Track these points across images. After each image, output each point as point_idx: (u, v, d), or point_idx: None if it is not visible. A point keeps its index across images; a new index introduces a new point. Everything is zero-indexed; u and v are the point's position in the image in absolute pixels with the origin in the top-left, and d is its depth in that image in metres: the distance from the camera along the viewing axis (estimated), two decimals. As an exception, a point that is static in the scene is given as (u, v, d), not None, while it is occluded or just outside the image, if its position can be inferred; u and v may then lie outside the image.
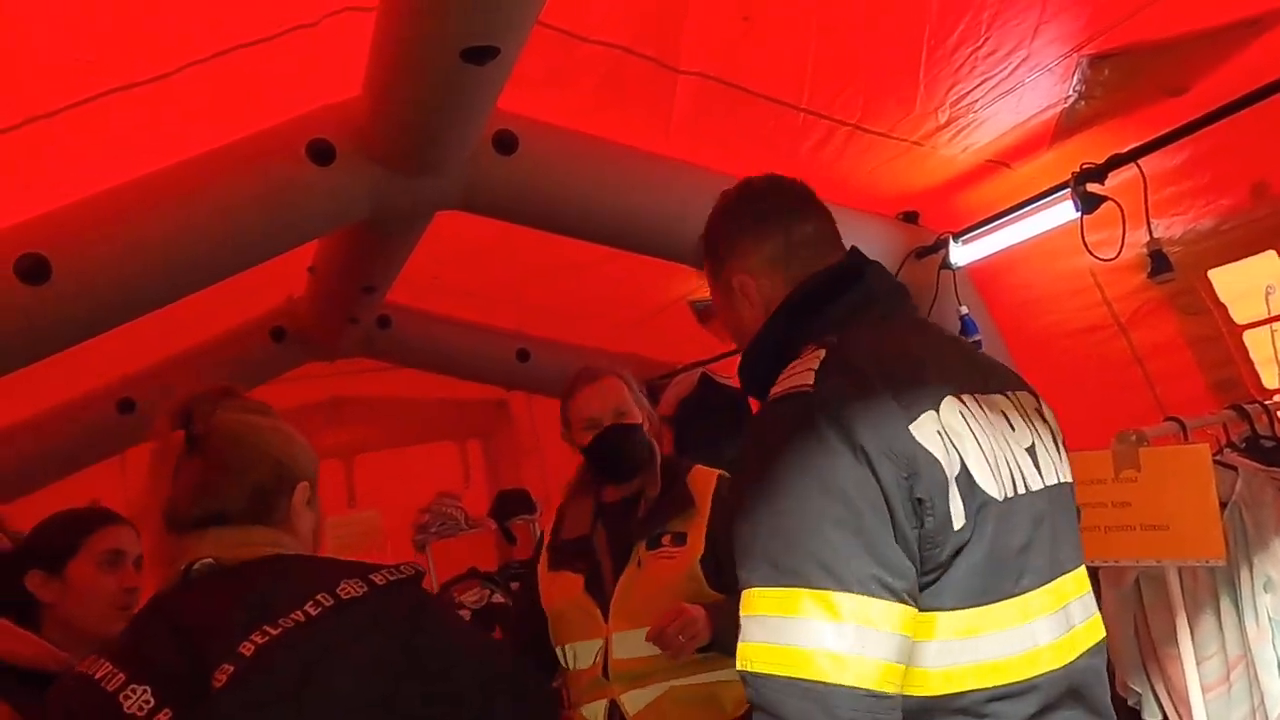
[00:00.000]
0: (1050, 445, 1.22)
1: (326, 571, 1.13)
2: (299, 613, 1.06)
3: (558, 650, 2.01)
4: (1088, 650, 1.16)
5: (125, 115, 2.05)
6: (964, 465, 1.06)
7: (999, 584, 1.06)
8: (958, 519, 1.04)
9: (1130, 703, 2.22)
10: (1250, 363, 2.56)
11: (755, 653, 1.03)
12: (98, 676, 1.05)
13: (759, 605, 1.04)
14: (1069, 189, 2.39)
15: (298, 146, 2.28)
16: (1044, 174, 2.57)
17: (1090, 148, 2.39)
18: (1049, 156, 2.56)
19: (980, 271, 2.97)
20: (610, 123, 2.56)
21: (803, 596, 1.00)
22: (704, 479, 2.03)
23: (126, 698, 1.02)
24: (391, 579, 1.14)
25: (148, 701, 1.01)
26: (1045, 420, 1.25)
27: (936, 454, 1.04)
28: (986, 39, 2.13)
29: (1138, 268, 2.46)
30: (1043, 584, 1.10)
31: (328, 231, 2.74)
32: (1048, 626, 1.10)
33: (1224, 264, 2.49)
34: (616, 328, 4.26)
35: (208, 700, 1.00)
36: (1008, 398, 1.20)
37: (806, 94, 2.35)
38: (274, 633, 1.04)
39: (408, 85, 2.03)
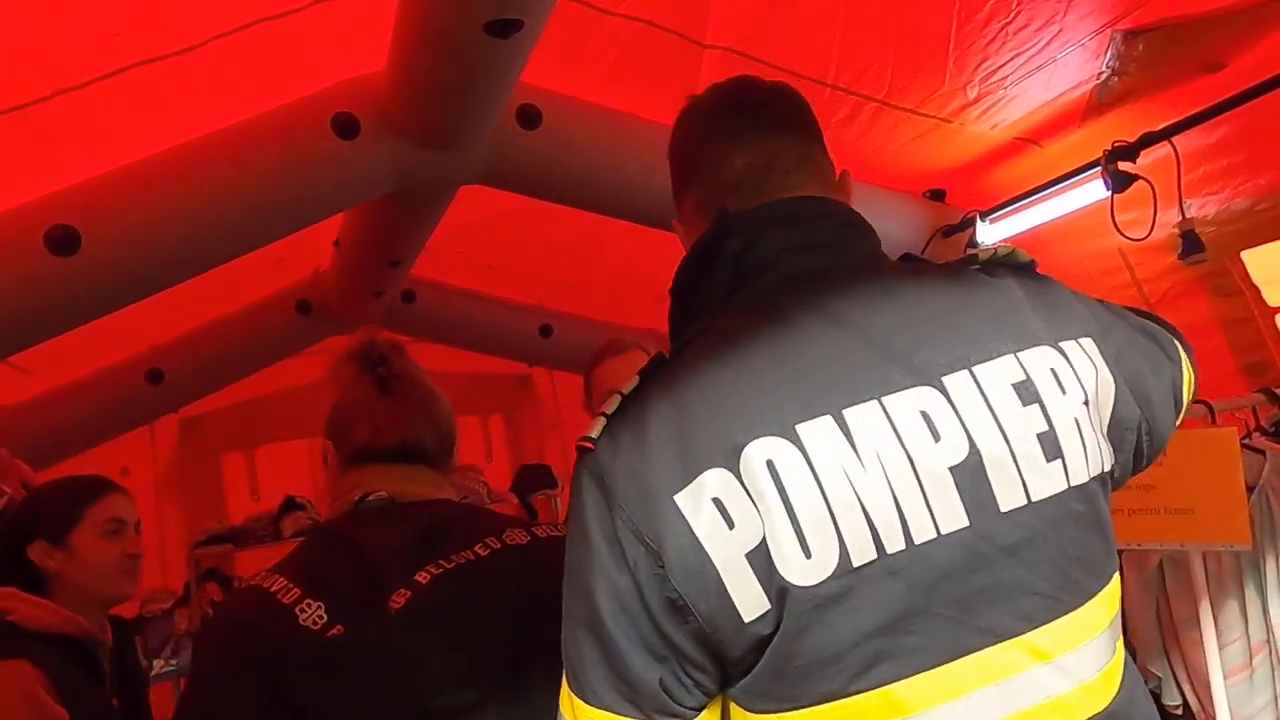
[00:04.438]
0: (1084, 424, 0.86)
1: (493, 519, 1.26)
2: (469, 552, 1.16)
3: None
4: None
5: (152, 88, 2.06)
6: (763, 540, 0.78)
7: (817, 684, 0.80)
8: (748, 610, 0.79)
9: (1150, 686, 2.22)
10: (1283, 345, 2.51)
11: None
12: (274, 589, 1.12)
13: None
14: (1100, 167, 2.35)
15: (322, 120, 2.29)
16: (1074, 152, 2.53)
17: (1123, 125, 2.35)
18: (1080, 134, 2.52)
19: (1008, 251, 2.93)
20: (634, 97, 2.55)
21: (565, 692, 0.89)
22: None
23: (302, 610, 1.09)
24: (551, 534, 1.25)
25: (321, 616, 1.09)
26: (1064, 389, 0.87)
27: (701, 533, 0.78)
28: (1018, 13, 2.09)
29: (1169, 248, 2.42)
30: (930, 667, 0.80)
31: (352, 205, 2.74)
32: (952, 716, 0.80)
33: (1258, 245, 2.45)
34: (639, 303, 4.24)
35: (383, 618, 1.09)
36: (941, 388, 0.83)
37: (833, 69, 2.32)
38: (448, 565, 1.14)
39: (431, 59, 2.02)
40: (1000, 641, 0.81)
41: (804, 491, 0.79)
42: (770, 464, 0.79)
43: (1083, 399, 0.87)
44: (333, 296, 3.87)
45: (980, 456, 0.82)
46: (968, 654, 0.80)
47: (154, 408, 4.07)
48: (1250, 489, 1.96)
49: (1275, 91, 2.00)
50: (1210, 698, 2.03)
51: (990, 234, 2.84)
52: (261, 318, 4.02)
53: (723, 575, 0.78)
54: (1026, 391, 0.84)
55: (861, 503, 0.79)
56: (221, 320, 3.98)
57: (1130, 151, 2.28)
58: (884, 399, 0.82)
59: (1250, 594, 2.02)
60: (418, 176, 2.50)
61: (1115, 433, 0.93)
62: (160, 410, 4.17)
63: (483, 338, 4.55)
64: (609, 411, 0.88)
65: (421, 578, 1.12)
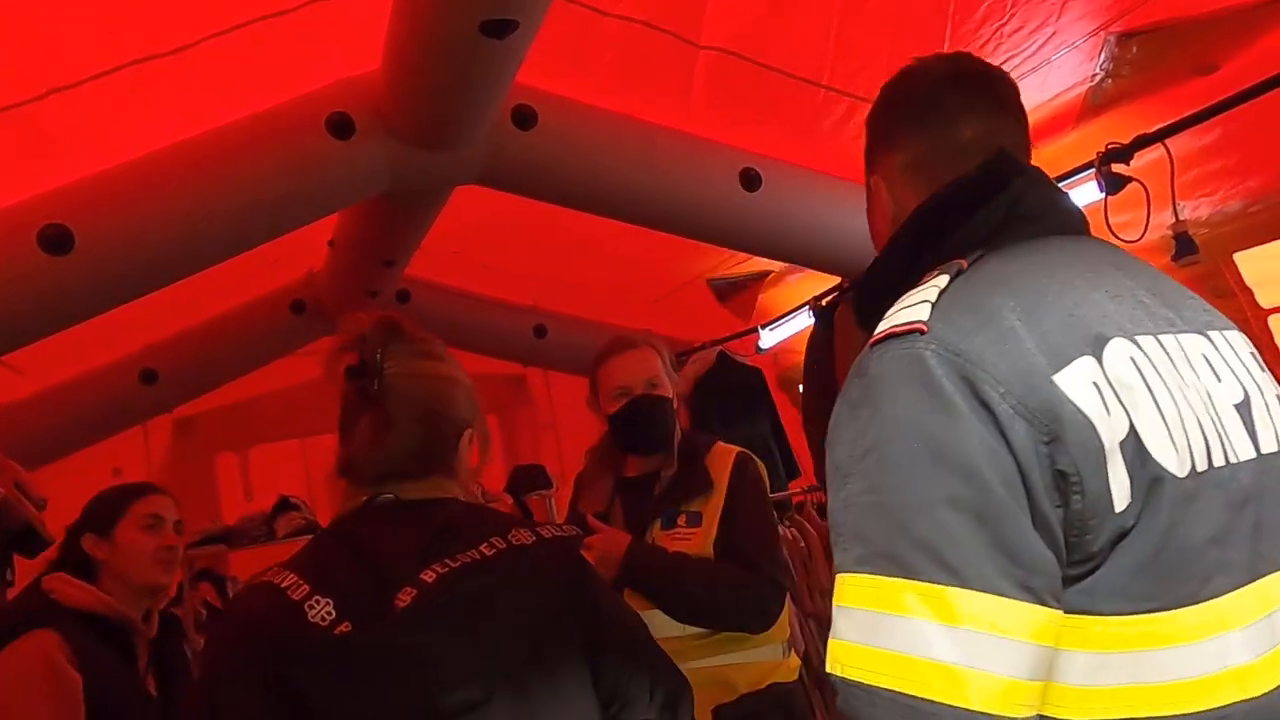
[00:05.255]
0: (1273, 399, 0.93)
1: (499, 519, 1.27)
2: (475, 551, 1.17)
3: None
4: None
5: (147, 87, 2.06)
6: (1133, 429, 0.80)
7: (1176, 586, 0.80)
8: (1120, 499, 0.79)
9: None
10: (1276, 348, 2.52)
11: (846, 654, 0.81)
12: (283, 585, 1.14)
13: (850, 595, 0.82)
14: (1093, 169, 2.35)
15: (317, 120, 2.28)
16: (1068, 154, 2.53)
17: (1116, 127, 2.35)
18: (1074, 136, 2.52)
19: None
20: (630, 98, 2.55)
21: (907, 591, 0.78)
22: (722, 457, 2.01)
23: (311, 607, 1.10)
24: (555, 534, 1.25)
25: (330, 613, 1.10)
26: (1263, 368, 0.96)
27: (1091, 413, 0.79)
28: (1012, 15, 2.10)
29: (1162, 250, 2.43)
30: (1240, 585, 0.82)
31: (347, 205, 2.74)
32: (1243, 642, 0.81)
33: (1251, 247, 2.45)
34: (634, 305, 4.25)
35: (389, 616, 1.10)
36: (1209, 339, 0.92)
37: (828, 70, 2.32)
38: (454, 565, 1.15)
39: (426, 59, 2.02)
40: (1271, 573, 0.85)
41: (1161, 391, 0.83)
42: (1133, 360, 0.84)
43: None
44: (327, 296, 3.87)
45: (1249, 402, 0.90)
46: (1259, 578, 0.84)
47: (147, 407, 4.06)
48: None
49: (1268, 94, 2.00)
50: None
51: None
52: (256, 317, 4.02)
53: (1107, 459, 0.79)
54: (1256, 361, 0.96)
55: (1196, 414, 0.85)
56: (215, 320, 3.97)
57: (1124, 153, 2.28)
58: (1178, 336, 0.89)
59: None
60: (412, 176, 2.49)
61: None
62: (154, 410, 4.16)
63: (477, 338, 4.55)
64: (930, 299, 0.86)
65: (427, 576, 1.13)
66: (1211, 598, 0.80)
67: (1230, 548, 0.82)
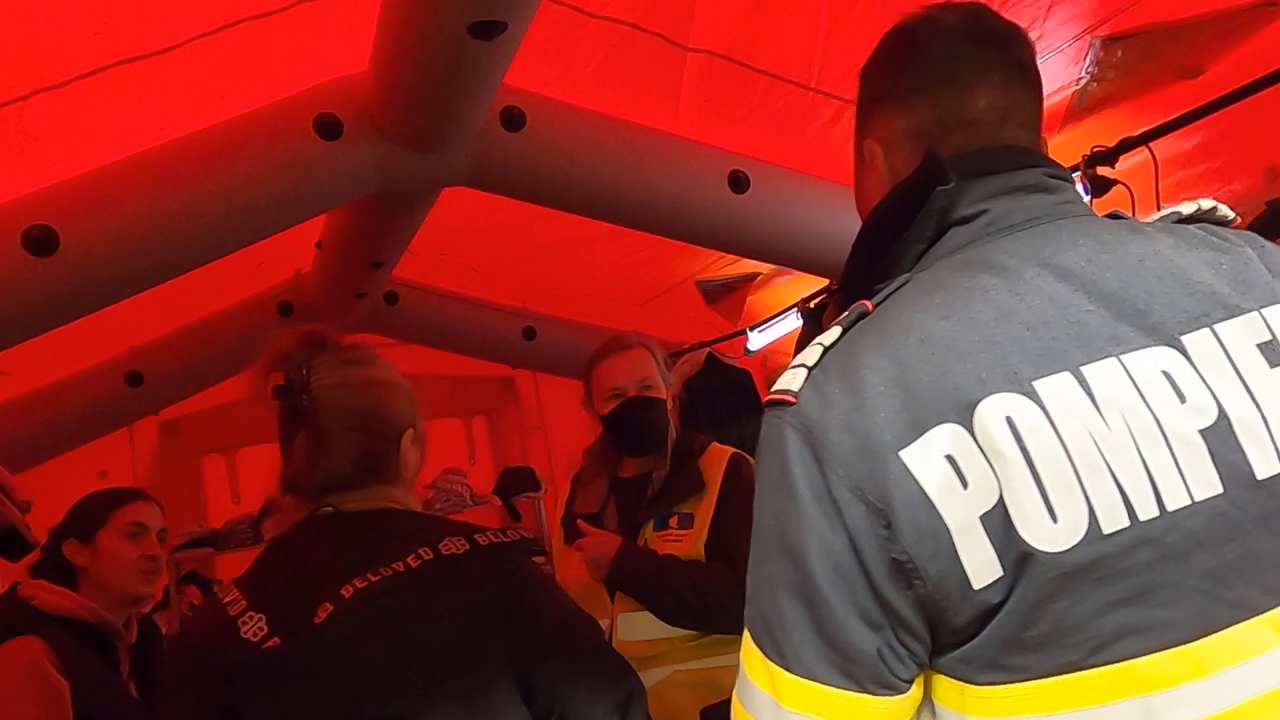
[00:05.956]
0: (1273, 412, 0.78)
1: (435, 528, 1.23)
2: (400, 563, 1.15)
3: None
4: None
5: (133, 87, 2.05)
6: (1001, 502, 0.73)
7: (1055, 656, 0.74)
8: (980, 577, 0.73)
9: None
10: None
11: (733, 702, 0.84)
12: (225, 601, 1.17)
13: (741, 648, 0.84)
14: (1080, 171, 2.37)
15: (305, 121, 2.28)
16: (1055, 156, 2.53)
17: (1102, 130, 2.37)
18: (1060, 139, 2.54)
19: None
20: (618, 100, 2.55)
21: (760, 661, 0.80)
22: (716, 459, 2.02)
23: (244, 623, 1.13)
24: (494, 540, 1.22)
25: (261, 629, 1.11)
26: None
27: (936, 491, 0.73)
28: (999, 19, 2.11)
29: (1147, 252, 2.44)
30: (1178, 643, 0.73)
31: (335, 206, 2.73)
32: (1201, 694, 0.73)
33: (1235, 249, 2.47)
34: (623, 307, 4.25)
35: (307, 633, 1.10)
36: (1189, 345, 0.77)
37: (816, 73, 2.33)
38: (374, 579, 1.14)
39: (414, 60, 2.02)
40: (1250, 617, 0.74)
41: (1048, 451, 0.73)
42: (1009, 421, 0.73)
43: None
44: (315, 298, 3.85)
45: (1229, 420, 0.75)
46: (1217, 630, 0.74)
47: (133, 410, 4.04)
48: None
49: (1251, 97, 2.02)
50: None
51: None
52: (243, 319, 4.00)
53: (955, 538, 0.73)
54: (1273, 352, 0.77)
55: (1109, 466, 0.73)
56: (202, 322, 3.95)
57: (1109, 156, 2.30)
58: (1122, 357, 0.75)
59: None
60: (401, 178, 2.49)
61: None
62: (140, 412, 4.14)
63: (466, 340, 4.54)
64: (809, 363, 0.81)
65: (346, 591, 1.13)
66: (1117, 661, 0.73)
67: (1156, 606, 0.73)
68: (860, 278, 0.91)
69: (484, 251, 3.81)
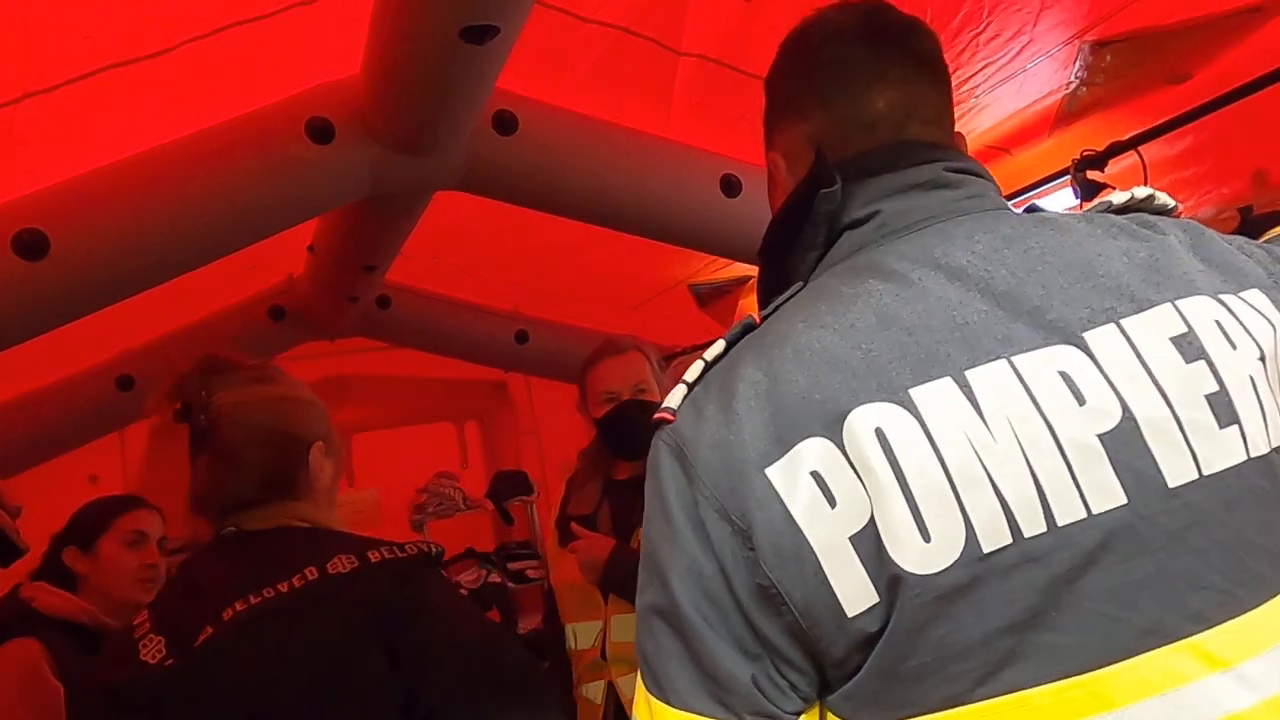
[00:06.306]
0: (1261, 385, 0.71)
1: (325, 545, 1.20)
2: (284, 584, 1.14)
3: (566, 629, 2.02)
4: None
5: (123, 91, 2.04)
6: (871, 521, 0.67)
7: (937, 688, 0.67)
8: (853, 603, 0.68)
9: None
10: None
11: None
12: (135, 623, 1.20)
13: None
14: (1069, 176, 2.38)
15: (297, 124, 2.27)
16: (1044, 161, 2.56)
17: (1091, 135, 2.38)
18: (1049, 143, 2.55)
19: (979, 257, 2.96)
20: (610, 104, 2.55)
21: (641, 693, 0.76)
22: None
23: (145, 645, 1.15)
24: (387, 556, 1.17)
25: (160, 650, 1.13)
26: (1236, 342, 0.71)
27: (800, 511, 0.68)
28: (989, 23, 2.12)
29: (1137, 255, 2.46)
30: (1089, 669, 0.66)
31: (327, 210, 2.73)
32: None
33: (1223, 252, 2.49)
34: (616, 310, 4.25)
35: (189, 654, 1.12)
36: (1093, 343, 0.70)
37: (808, 77, 2.34)
38: (254, 601, 1.13)
39: (406, 64, 2.02)
40: (1166, 644, 0.66)
41: (921, 465, 0.67)
42: (880, 433, 0.67)
43: (1258, 355, 0.72)
44: (307, 302, 3.85)
45: (1136, 422, 0.68)
46: (1126, 658, 0.66)
47: (124, 414, 4.02)
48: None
49: (1239, 102, 2.04)
50: None
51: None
52: (234, 323, 3.99)
53: (822, 561, 0.67)
54: (1189, 346, 0.70)
55: (991, 478, 0.67)
56: (194, 326, 3.93)
57: (1098, 160, 2.31)
58: (1013, 359, 0.69)
59: None
60: (393, 182, 2.49)
61: None
62: (131, 417, 4.12)
63: (458, 344, 4.54)
64: (690, 379, 0.79)
65: (226, 614, 1.13)
66: (1006, 692, 0.66)
67: (1047, 630, 0.66)
68: (768, 294, 0.87)
69: (476, 255, 3.81)
